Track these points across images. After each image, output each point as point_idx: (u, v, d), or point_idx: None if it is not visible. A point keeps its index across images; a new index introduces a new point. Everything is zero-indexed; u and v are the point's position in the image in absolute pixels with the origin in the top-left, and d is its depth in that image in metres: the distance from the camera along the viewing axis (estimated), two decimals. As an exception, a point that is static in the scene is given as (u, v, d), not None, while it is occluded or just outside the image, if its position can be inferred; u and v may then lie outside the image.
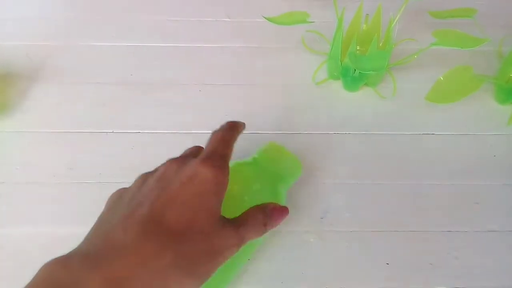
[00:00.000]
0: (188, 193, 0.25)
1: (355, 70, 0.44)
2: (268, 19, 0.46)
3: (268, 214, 0.29)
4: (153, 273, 0.22)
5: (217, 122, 0.46)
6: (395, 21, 0.44)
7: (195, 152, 0.33)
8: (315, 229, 0.38)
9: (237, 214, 0.28)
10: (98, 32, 0.52)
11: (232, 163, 0.30)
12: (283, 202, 0.35)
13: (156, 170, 0.29)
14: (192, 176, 0.26)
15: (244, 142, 0.43)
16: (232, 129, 0.32)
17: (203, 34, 0.52)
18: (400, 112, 0.46)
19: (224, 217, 0.27)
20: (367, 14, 0.46)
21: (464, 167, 0.42)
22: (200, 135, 0.43)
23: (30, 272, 0.35)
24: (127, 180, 0.40)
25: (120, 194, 0.28)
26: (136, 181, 0.29)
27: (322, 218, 0.38)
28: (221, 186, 0.26)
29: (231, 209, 0.28)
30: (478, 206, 0.39)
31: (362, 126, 0.44)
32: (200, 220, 0.25)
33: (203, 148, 0.32)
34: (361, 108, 0.46)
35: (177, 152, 0.44)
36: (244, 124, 0.34)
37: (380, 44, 0.46)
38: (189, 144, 0.43)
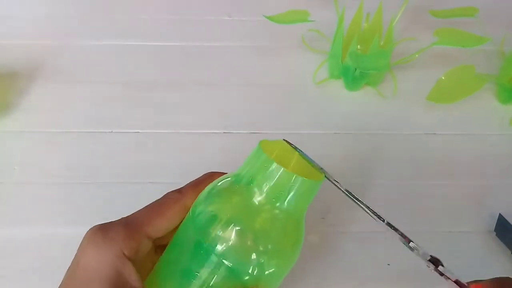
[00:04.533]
0: None
1: (356, 69, 0.44)
2: (269, 18, 0.46)
3: None
4: None
5: (217, 122, 0.46)
6: (396, 20, 0.44)
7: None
8: (317, 229, 0.38)
9: None
10: (98, 32, 0.52)
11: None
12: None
13: None
14: None
15: (245, 142, 0.43)
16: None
17: (203, 33, 0.52)
18: (401, 112, 0.45)
19: None
20: (368, 13, 0.46)
21: (465, 167, 0.42)
22: (200, 135, 0.43)
23: (30, 272, 0.35)
24: (127, 180, 0.41)
25: None
26: None
27: (323, 218, 0.38)
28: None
29: None
30: (480, 206, 0.39)
31: (363, 126, 0.44)
32: None
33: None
34: (361, 108, 0.46)
35: (177, 152, 0.44)
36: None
37: (381, 43, 0.46)
38: (189, 144, 0.43)
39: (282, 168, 0.23)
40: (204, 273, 0.22)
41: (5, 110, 0.44)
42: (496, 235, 0.37)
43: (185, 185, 0.27)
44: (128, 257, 0.23)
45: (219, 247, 0.22)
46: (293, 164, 0.27)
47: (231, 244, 0.22)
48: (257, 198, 0.23)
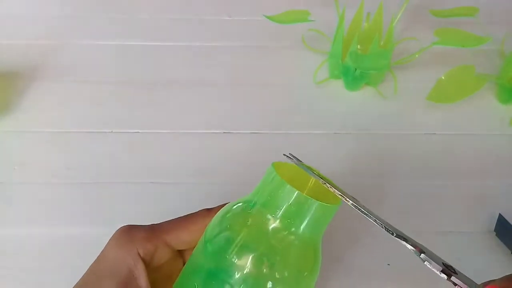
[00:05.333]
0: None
1: (356, 69, 0.44)
2: (269, 17, 0.46)
3: None
4: None
5: (217, 122, 0.46)
6: (396, 19, 0.44)
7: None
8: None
9: None
10: (98, 32, 0.52)
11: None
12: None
13: None
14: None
15: (245, 142, 0.43)
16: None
17: (204, 33, 0.52)
18: (401, 112, 0.45)
19: None
20: (368, 13, 0.46)
21: (465, 167, 0.42)
22: (200, 135, 0.43)
23: (30, 272, 0.35)
24: (127, 180, 0.41)
25: None
26: None
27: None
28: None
29: None
30: (480, 206, 0.39)
31: (363, 126, 0.44)
32: None
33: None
34: (362, 108, 0.46)
35: (176, 152, 0.44)
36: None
37: (381, 43, 0.46)
38: (189, 144, 0.43)
39: (297, 192, 0.22)
40: None
41: (5, 110, 0.44)
42: (496, 235, 0.37)
43: (217, 206, 0.27)
44: (142, 258, 0.24)
45: (234, 274, 0.21)
46: (309, 186, 0.26)
47: (246, 271, 0.21)
48: (272, 224, 0.22)
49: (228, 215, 0.24)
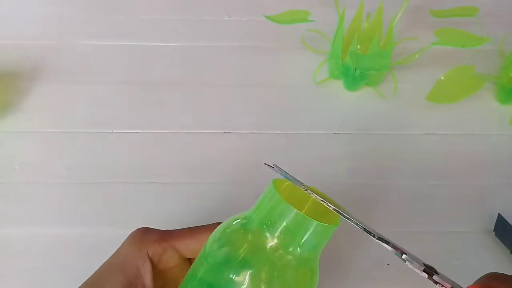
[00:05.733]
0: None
1: (356, 69, 0.44)
2: (269, 17, 0.46)
3: None
4: None
5: (217, 122, 0.46)
6: (396, 20, 0.44)
7: None
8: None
9: None
10: (98, 32, 0.52)
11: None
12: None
13: None
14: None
15: (245, 142, 0.43)
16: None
17: (203, 33, 0.52)
18: (401, 112, 0.45)
19: None
20: (368, 13, 0.46)
21: (465, 167, 0.42)
22: (200, 135, 0.43)
23: (30, 272, 0.35)
24: (127, 180, 0.41)
25: None
26: None
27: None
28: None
29: None
30: (479, 206, 0.39)
31: (363, 126, 0.44)
32: None
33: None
34: (361, 108, 0.46)
35: (177, 152, 0.44)
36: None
37: (381, 43, 0.46)
38: (189, 144, 0.43)
39: (296, 211, 0.22)
40: None
41: (5, 110, 0.44)
42: (496, 235, 0.37)
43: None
44: (150, 258, 0.26)
45: None
46: (309, 203, 0.26)
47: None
48: (270, 242, 0.22)
49: (228, 230, 0.24)
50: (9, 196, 0.39)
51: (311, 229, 0.22)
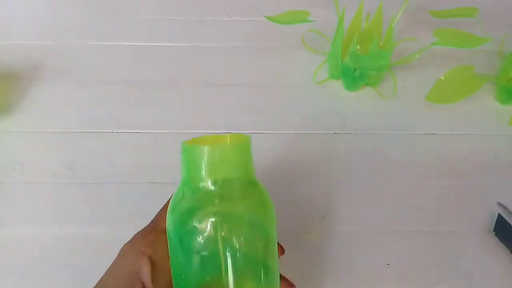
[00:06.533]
0: None
1: (355, 69, 0.44)
2: (269, 18, 0.46)
3: None
4: None
5: (217, 122, 0.46)
6: (396, 20, 0.44)
7: None
8: (317, 229, 0.38)
9: None
10: (98, 32, 0.52)
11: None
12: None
13: None
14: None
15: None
16: None
17: (203, 33, 0.52)
18: (401, 112, 0.45)
19: None
20: (368, 13, 0.46)
21: (465, 167, 0.42)
22: (200, 135, 0.43)
23: (30, 272, 0.35)
24: (127, 180, 0.41)
25: None
26: None
27: (322, 219, 0.38)
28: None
29: None
30: (480, 206, 0.39)
31: (363, 126, 0.44)
32: None
33: None
34: (361, 108, 0.46)
35: (177, 152, 0.44)
36: None
37: (381, 43, 0.46)
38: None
39: (207, 146, 0.23)
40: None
41: (5, 110, 0.44)
42: (496, 235, 0.37)
43: None
44: (147, 254, 0.25)
45: (198, 240, 0.23)
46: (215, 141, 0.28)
47: (207, 234, 0.23)
48: (204, 184, 0.24)
49: (176, 199, 0.25)
50: (9, 196, 0.39)
51: (228, 153, 0.24)
